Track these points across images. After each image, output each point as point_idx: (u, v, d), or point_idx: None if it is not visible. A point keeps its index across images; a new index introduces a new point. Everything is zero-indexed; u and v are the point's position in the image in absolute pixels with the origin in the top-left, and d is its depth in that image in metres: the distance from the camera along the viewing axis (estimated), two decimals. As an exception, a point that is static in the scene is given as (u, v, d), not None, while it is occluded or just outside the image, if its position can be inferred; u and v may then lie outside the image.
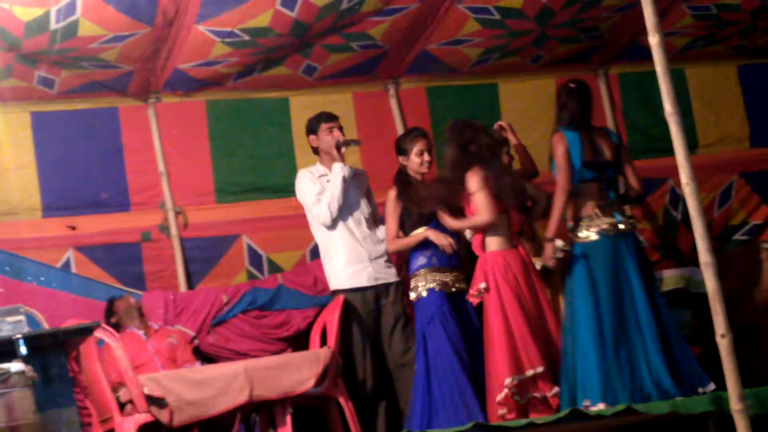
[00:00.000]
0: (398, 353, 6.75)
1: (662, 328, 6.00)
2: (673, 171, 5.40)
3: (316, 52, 7.34)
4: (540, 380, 6.08)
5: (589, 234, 6.10)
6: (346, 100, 7.85)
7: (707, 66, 8.48)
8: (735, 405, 4.97)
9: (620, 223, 6.10)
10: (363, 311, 6.80)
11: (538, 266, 6.55)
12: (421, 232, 6.59)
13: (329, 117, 6.99)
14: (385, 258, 6.91)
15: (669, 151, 5.34)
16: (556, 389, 6.06)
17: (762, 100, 8.55)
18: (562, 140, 6.17)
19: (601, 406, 5.75)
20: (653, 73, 5.19)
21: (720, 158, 8.44)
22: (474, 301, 6.36)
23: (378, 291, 6.84)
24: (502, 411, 6.05)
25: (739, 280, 7.14)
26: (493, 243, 6.30)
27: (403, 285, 6.81)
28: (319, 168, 6.98)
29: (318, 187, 6.88)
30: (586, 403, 5.85)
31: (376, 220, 7.02)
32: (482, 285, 6.22)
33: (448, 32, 7.40)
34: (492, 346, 6.16)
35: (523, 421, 5.76)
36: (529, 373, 6.05)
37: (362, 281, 6.82)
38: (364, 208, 6.97)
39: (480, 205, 6.25)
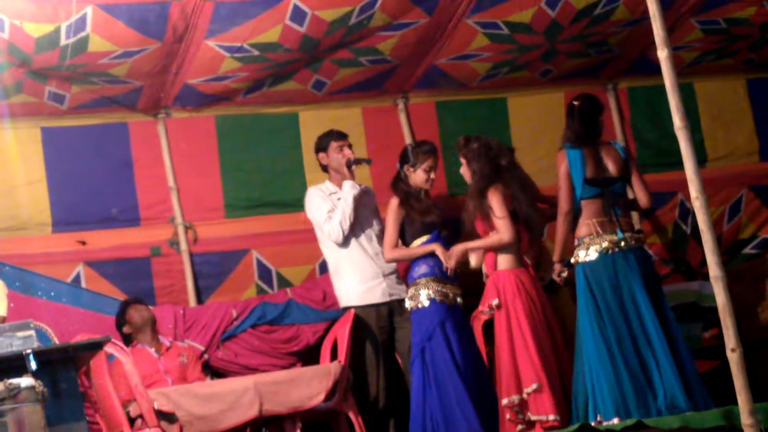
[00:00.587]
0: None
1: (672, 343, 5.97)
2: (683, 185, 5.39)
3: (325, 67, 7.35)
4: (533, 400, 6.04)
5: (588, 253, 6.06)
6: (356, 114, 7.86)
7: (716, 80, 8.48)
8: (746, 419, 4.95)
9: (622, 240, 6.04)
10: (376, 327, 6.79)
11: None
12: (426, 247, 6.51)
13: (339, 135, 7.00)
14: (396, 274, 6.90)
15: (678, 164, 5.33)
16: (540, 417, 6.03)
17: (771, 114, 8.57)
18: (563, 159, 6.12)
19: (615, 421, 5.73)
20: (662, 87, 5.20)
21: (729, 172, 8.43)
22: (484, 318, 6.34)
23: (391, 306, 6.84)
24: (520, 427, 6.05)
25: (749, 294, 7.12)
26: (505, 262, 6.29)
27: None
28: (328, 185, 6.99)
29: (329, 204, 6.88)
30: (599, 418, 5.82)
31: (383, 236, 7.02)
32: (495, 301, 6.21)
33: (457, 47, 7.41)
34: (499, 365, 6.17)
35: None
36: (526, 391, 6.04)
37: (376, 297, 6.83)
38: (374, 225, 6.97)
39: (501, 225, 6.23)
